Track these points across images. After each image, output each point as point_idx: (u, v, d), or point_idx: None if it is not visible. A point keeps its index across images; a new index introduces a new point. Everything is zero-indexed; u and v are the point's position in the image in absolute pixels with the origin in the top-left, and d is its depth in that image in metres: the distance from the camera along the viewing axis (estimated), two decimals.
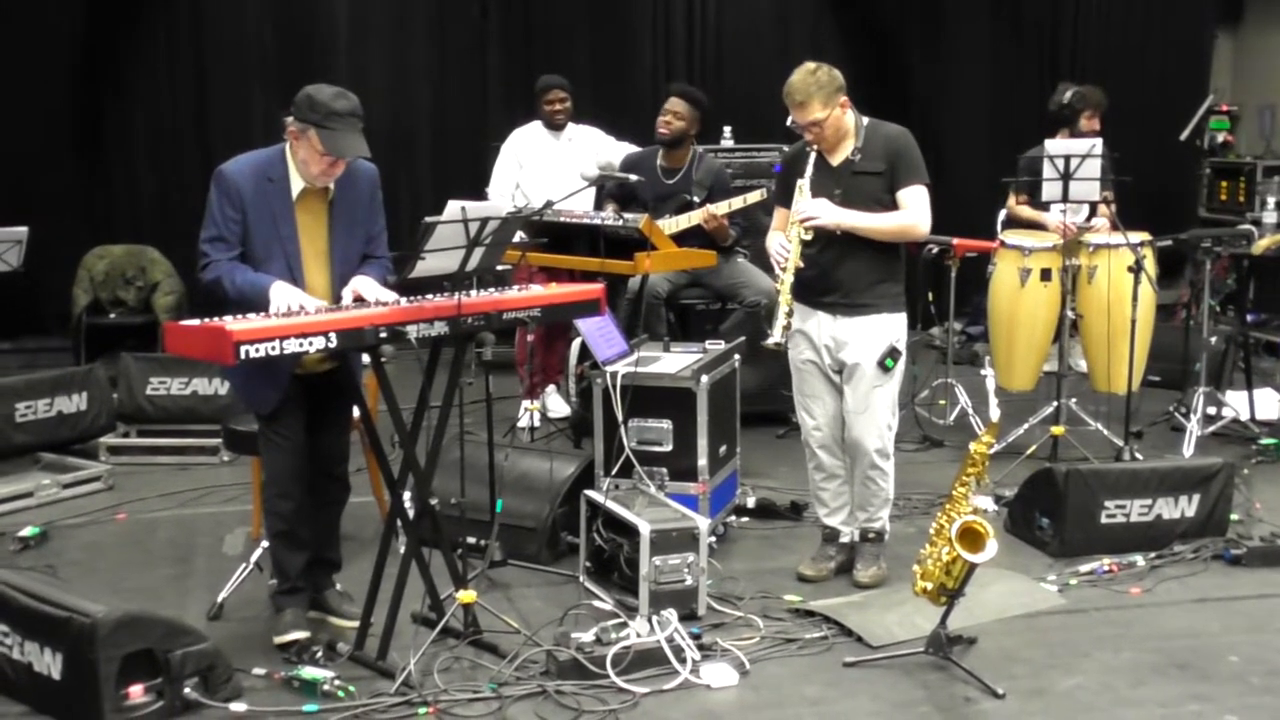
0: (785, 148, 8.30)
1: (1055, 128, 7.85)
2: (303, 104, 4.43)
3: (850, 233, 5.13)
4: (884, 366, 5.18)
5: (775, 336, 5.10)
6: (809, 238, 5.12)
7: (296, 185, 4.55)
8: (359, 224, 4.73)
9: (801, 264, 5.12)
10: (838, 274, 5.19)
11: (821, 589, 5.29)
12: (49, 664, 4.14)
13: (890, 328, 5.22)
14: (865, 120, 5.24)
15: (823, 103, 5.07)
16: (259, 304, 4.35)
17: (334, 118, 4.39)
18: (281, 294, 4.36)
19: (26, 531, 5.90)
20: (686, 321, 7.82)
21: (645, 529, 4.86)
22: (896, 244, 5.28)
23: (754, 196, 7.04)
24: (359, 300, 4.49)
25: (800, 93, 5.09)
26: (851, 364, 5.22)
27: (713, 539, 5.49)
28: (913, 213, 5.16)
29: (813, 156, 5.18)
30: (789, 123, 5.19)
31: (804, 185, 5.16)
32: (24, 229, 7.76)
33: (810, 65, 5.15)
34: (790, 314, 5.11)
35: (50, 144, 9.80)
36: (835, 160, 5.21)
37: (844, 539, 5.49)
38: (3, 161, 9.78)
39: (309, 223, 4.61)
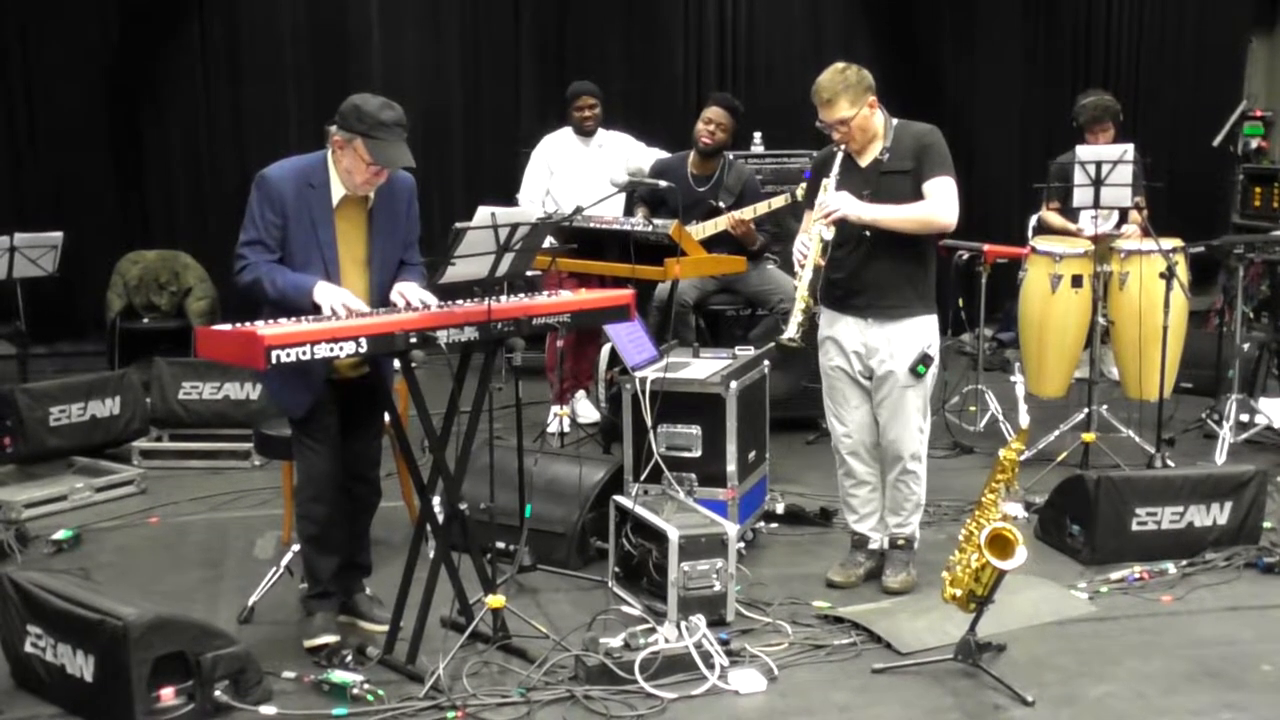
0: (816, 153, 8.33)
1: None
2: (349, 114, 4.46)
3: (878, 233, 5.10)
4: (916, 373, 5.17)
5: (790, 332, 5.07)
6: (830, 235, 5.09)
7: (337, 192, 4.58)
8: (397, 232, 4.76)
9: (822, 261, 5.10)
10: (866, 275, 5.17)
11: (850, 595, 5.28)
12: (81, 666, 4.17)
13: (921, 333, 5.20)
14: (894, 121, 5.22)
15: (850, 101, 5.06)
16: (301, 304, 4.38)
17: (381, 128, 4.43)
18: (327, 293, 4.39)
19: (60, 534, 5.94)
20: (716, 327, 7.82)
21: (674, 534, 4.86)
22: (926, 246, 5.25)
23: (778, 201, 7.03)
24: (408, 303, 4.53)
25: (827, 90, 5.07)
26: (883, 371, 5.21)
27: (741, 545, 5.49)
28: (935, 203, 5.10)
29: (839, 157, 5.17)
30: (817, 122, 5.18)
31: (828, 184, 5.15)
32: (59, 234, 7.86)
33: (839, 65, 5.14)
34: (806, 310, 5.09)
35: (85, 150, 9.89)
36: (864, 161, 5.20)
37: (873, 545, 5.48)
38: (39, 167, 9.90)
39: (348, 230, 4.64)
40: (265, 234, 4.50)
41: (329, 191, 4.58)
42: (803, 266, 5.11)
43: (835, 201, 5.08)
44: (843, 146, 5.18)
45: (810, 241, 5.11)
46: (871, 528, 5.47)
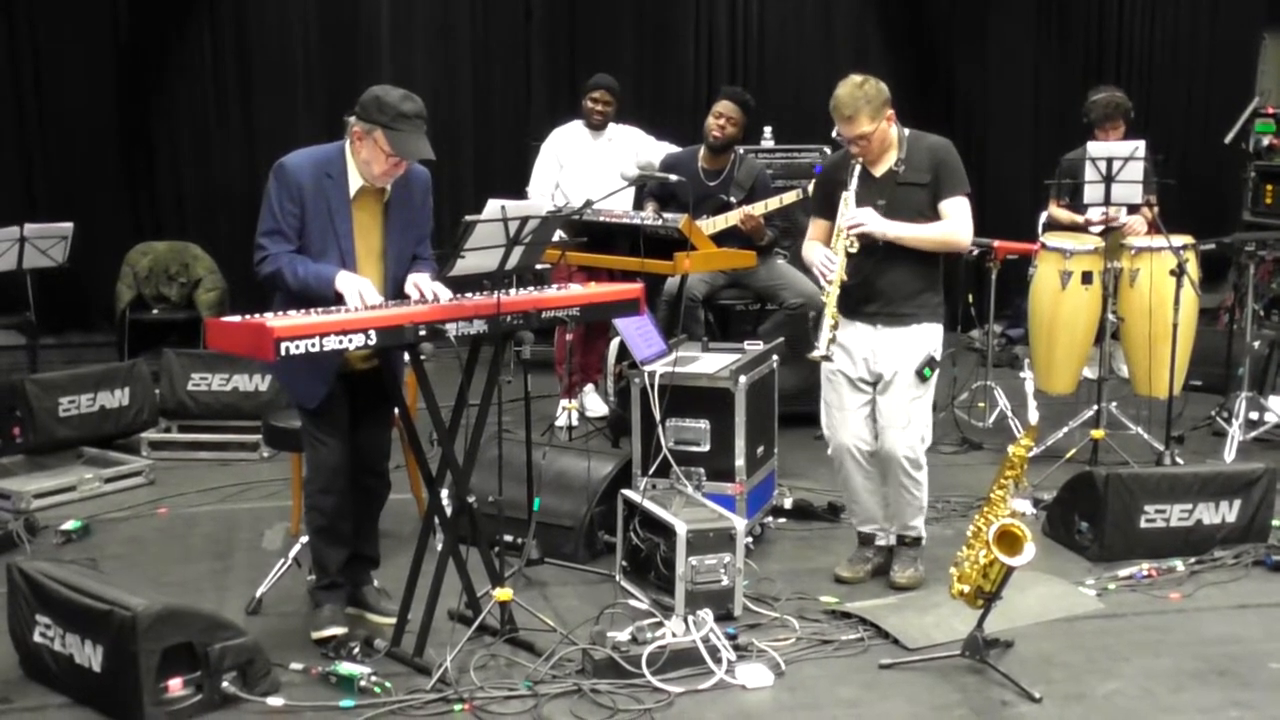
0: (826, 149, 8.32)
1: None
2: (370, 105, 4.46)
3: (892, 242, 5.11)
4: (921, 376, 5.16)
5: (821, 349, 5.07)
6: (855, 249, 5.10)
7: (354, 184, 4.58)
8: (412, 225, 4.77)
9: (846, 276, 5.09)
10: (880, 283, 5.17)
11: (858, 591, 5.28)
12: (90, 656, 4.18)
13: (928, 337, 5.20)
14: (907, 131, 5.22)
15: (870, 116, 5.05)
16: (323, 294, 4.38)
17: (402, 119, 4.43)
18: (348, 282, 4.39)
19: (69, 525, 5.96)
20: (725, 322, 7.81)
21: (682, 529, 4.86)
22: (937, 256, 5.25)
23: (790, 197, 7.02)
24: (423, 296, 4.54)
25: (848, 107, 5.06)
26: (889, 375, 5.20)
27: (749, 539, 5.48)
28: (956, 223, 5.14)
29: (857, 169, 5.15)
30: (834, 134, 5.17)
31: (849, 197, 5.14)
32: (69, 225, 7.86)
33: (857, 79, 5.12)
34: (836, 327, 5.09)
35: (96, 141, 9.89)
36: (878, 171, 5.18)
37: (880, 541, 5.48)
38: (49, 158, 9.90)
39: (365, 221, 4.64)
40: (284, 223, 4.50)
41: (346, 182, 4.58)
42: (829, 283, 5.10)
43: (861, 217, 5.08)
44: (859, 160, 5.18)
45: (835, 257, 5.10)
46: (877, 527, 5.47)
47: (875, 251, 5.15)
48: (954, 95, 11.33)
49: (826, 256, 5.15)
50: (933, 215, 5.15)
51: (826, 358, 5.09)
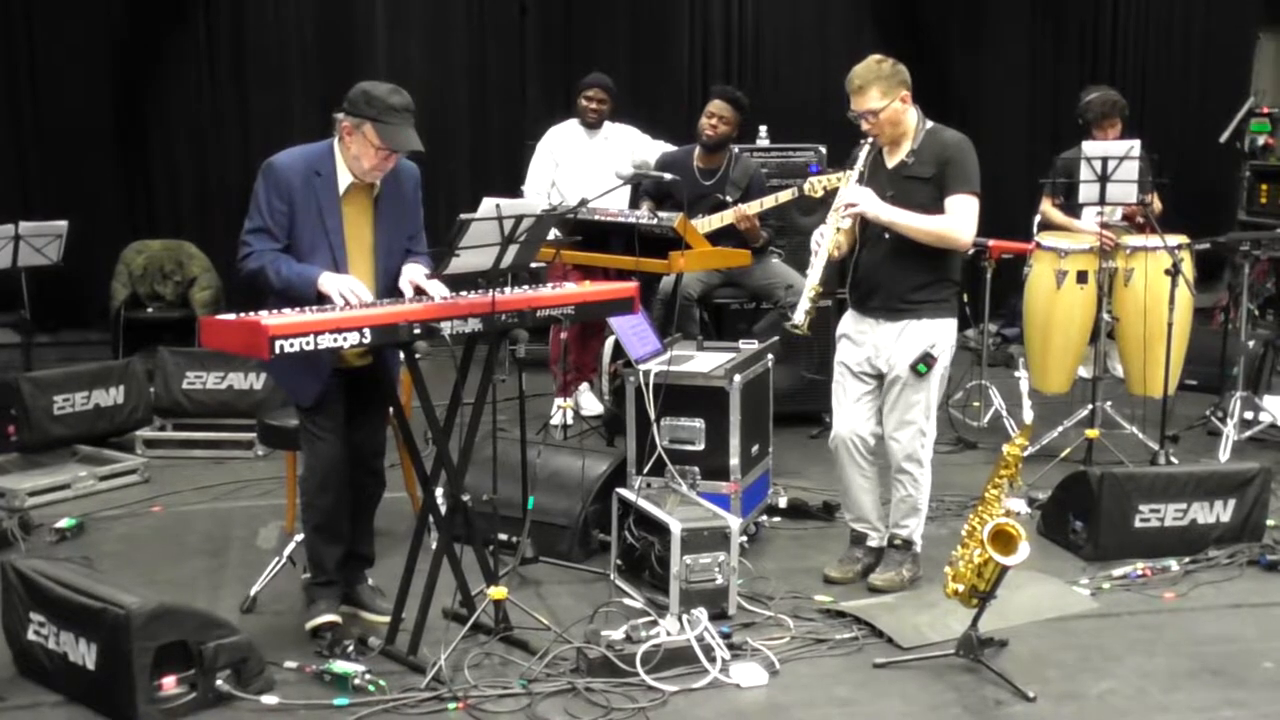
0: (822, 148, 8.31)
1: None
2: (358, 99, 4.47)
3: (897, 236, 5.10)
4: (916, 370, 5.14)
5: (796, 318, 5.08)
6: (846, 224, 5.10)
7: (344, 180, 4.59)
8: (403, 221, 4.77)
9: (835, 253, 5.09)
10: (881, 276, 5.17)
11: (853, 590, 5.28)
12: (84, 654, 4.18)
13: (929, 333, 5.16)
14: (928, 124, 5.20)
15: (881, 92, 5.04)
16: (305, 295, 4.39)
17: (390, 112, 4.44)
18: (332, 281, 4.40)
19: (63, 523, 5.95)
20: (720, 321, 7.81)
21: (676, 528, 4.86)
22: (948, 252, 5.20)
23: (785, 196, 7.00)
24: (420, 292, 4.54)
25: (860, 78, 5.06)
26: (887, 370, 5.20)
27: (744, 538, 5.49)
28: (954, 219, 5.08)
29: (866, 150, 5.16)
30: (848, 112, 5.15)
31: (851, 176, 5.14)
32: (64, 223, 7.85)
33: (877, 56, 5.14)
34: (815, 299, 5.08)
35: (91, 139, 9.88)
36: (891, 161, 5.17)
37: (871, 542, 5.47)
38: (44, 157, 9.89)
39: (355, 217, 4.65)
40: (271, 221, 4.51)
41: (335, 180, 4.59)
42: (815, 255, 5.11)
43: (856, 196, 5.07)
44: (871, 140, 5.17)
45: (826, 231, 5.11)
46: (869, 526, 5.47)
47: (880, 244, 5.14)
48: (950, 94, 11.30)
49: (819, 231, 5.16)
50: (937, 211, 5.11)
51: (798, 327, 5.08)
